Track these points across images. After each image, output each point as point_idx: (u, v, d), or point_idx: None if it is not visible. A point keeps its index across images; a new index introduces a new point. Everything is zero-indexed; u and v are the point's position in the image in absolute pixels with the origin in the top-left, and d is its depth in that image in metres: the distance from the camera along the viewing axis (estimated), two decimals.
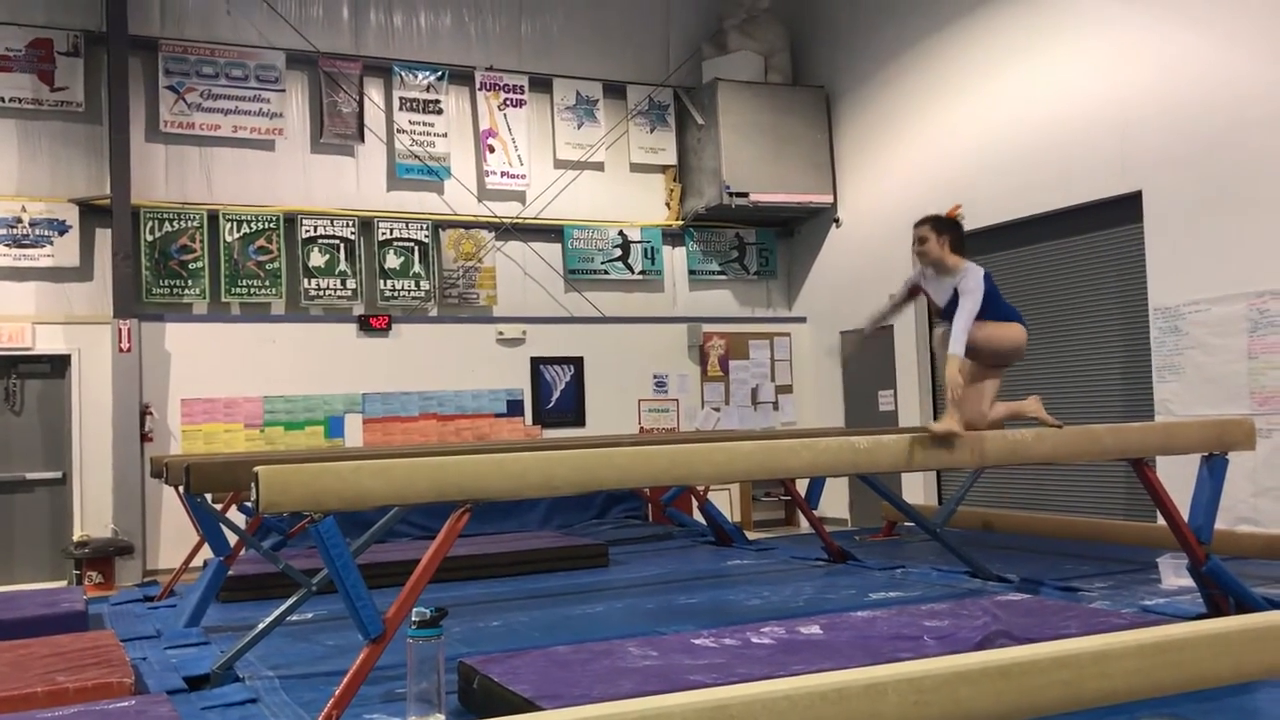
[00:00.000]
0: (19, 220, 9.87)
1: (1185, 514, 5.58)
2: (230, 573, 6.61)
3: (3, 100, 9.91)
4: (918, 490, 10.82)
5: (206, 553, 6.84)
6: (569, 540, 9.01)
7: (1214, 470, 5.60)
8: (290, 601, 5.18)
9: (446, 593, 6.75)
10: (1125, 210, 9.06)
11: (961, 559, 7.11)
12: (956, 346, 5.34)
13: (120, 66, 10.15)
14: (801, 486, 9.00)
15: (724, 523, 9.54)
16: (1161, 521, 6.02)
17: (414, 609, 4.04)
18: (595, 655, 4.43)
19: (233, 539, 6.41)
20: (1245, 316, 8.00)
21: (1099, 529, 8.29)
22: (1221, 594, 5.46)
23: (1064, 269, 9.84)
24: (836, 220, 12.47)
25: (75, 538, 9.64)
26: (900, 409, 11.41)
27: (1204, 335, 8.28)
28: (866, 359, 11.71)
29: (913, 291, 6.03)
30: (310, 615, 6.35)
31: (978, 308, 5.44)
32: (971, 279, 5.51)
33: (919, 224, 5.76)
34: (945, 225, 5.72)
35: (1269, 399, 7.83)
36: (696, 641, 4.63)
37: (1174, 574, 6.39)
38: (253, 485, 3.87)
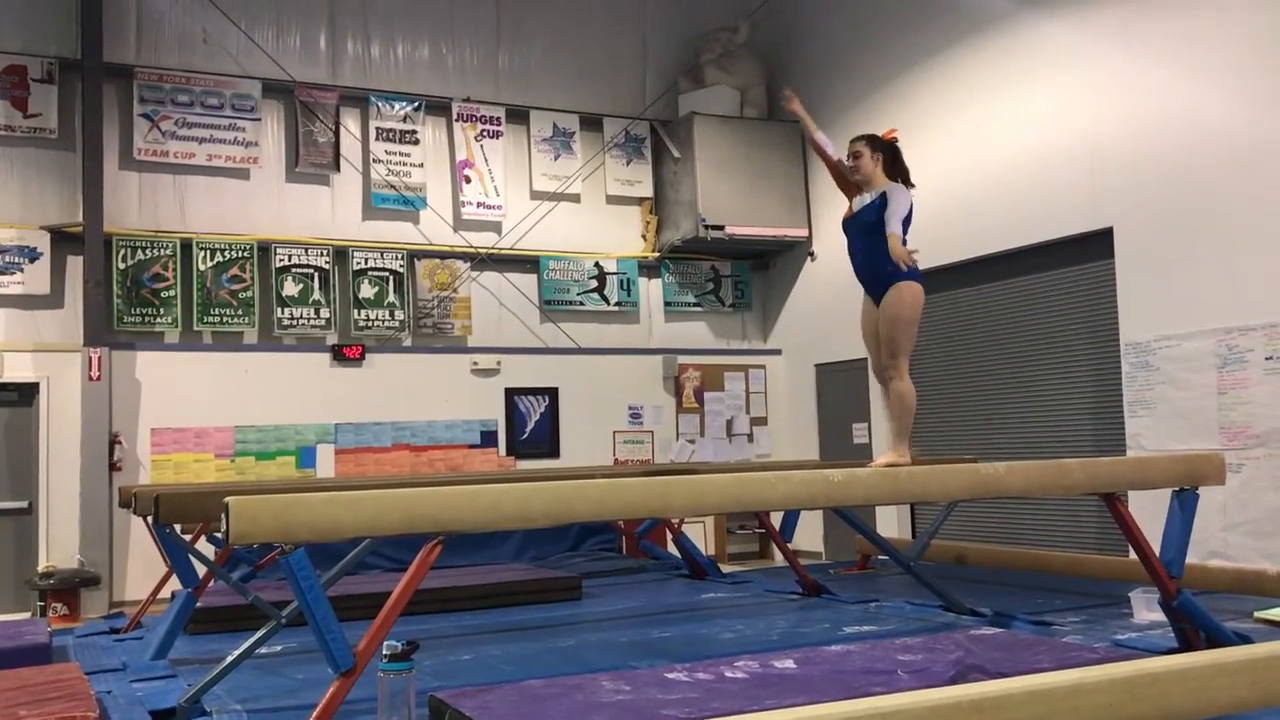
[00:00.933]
0: None
1: (1156, 548, 5.60)
2: (199, 604, 6.51)
3: None
4: (892, 523, 10.83)
5: (175, 584, 6.75)
6: (542, 573, 8.95)
7: (1185, 505, 5.63)
8: (259, 634, 5.11)
9: (418, 625, 6.68)
10: (1096, 246, 9.16)
11: (935, 593, 7.11)
12: (894, 225, 5.72)
13: (94, 94, 10.12)
14: (776, 519, 8.99)
15: (698, 556, 9.51)
16: (1133, 555, 6.05)
17: (385, 642, 4.00)
18: (568, 690, 4.39)
19: (201, 570, 6.33)
20: (1215, 352, 8.08)
21: (1072, 563, 8.31)
22: (1193, 628, 5.48)
23: (1036, 304, 9.92)
24: (811, 254, 12.55)
25: (40, 568, 9.51)
26: (874, 442, 11.43)
27: (1175, 370, 8.36)
28: (841, 392, 11.75)
29: (832, 165, 6.28)
30: (280, 648, 6.26)
31: (905, 210, 5.83)
32: (902, 192, 5.89)
33: (855, 139, 6.12)
34: (880, 145, 6.08)
35: (1238, 434, 7.90)
36: (670, 676, 4.60)
37: (1146, 608, 6.40)
38: (223, 516, 3.82)
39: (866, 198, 6.06)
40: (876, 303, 6.10)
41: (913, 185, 6.11)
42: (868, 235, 5.97)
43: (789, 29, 12.86)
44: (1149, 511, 6.55)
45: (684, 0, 13.18)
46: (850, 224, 6.16)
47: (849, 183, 6.24)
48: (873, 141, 6.07)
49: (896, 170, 6.09)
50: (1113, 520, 5.82)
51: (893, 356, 5.99)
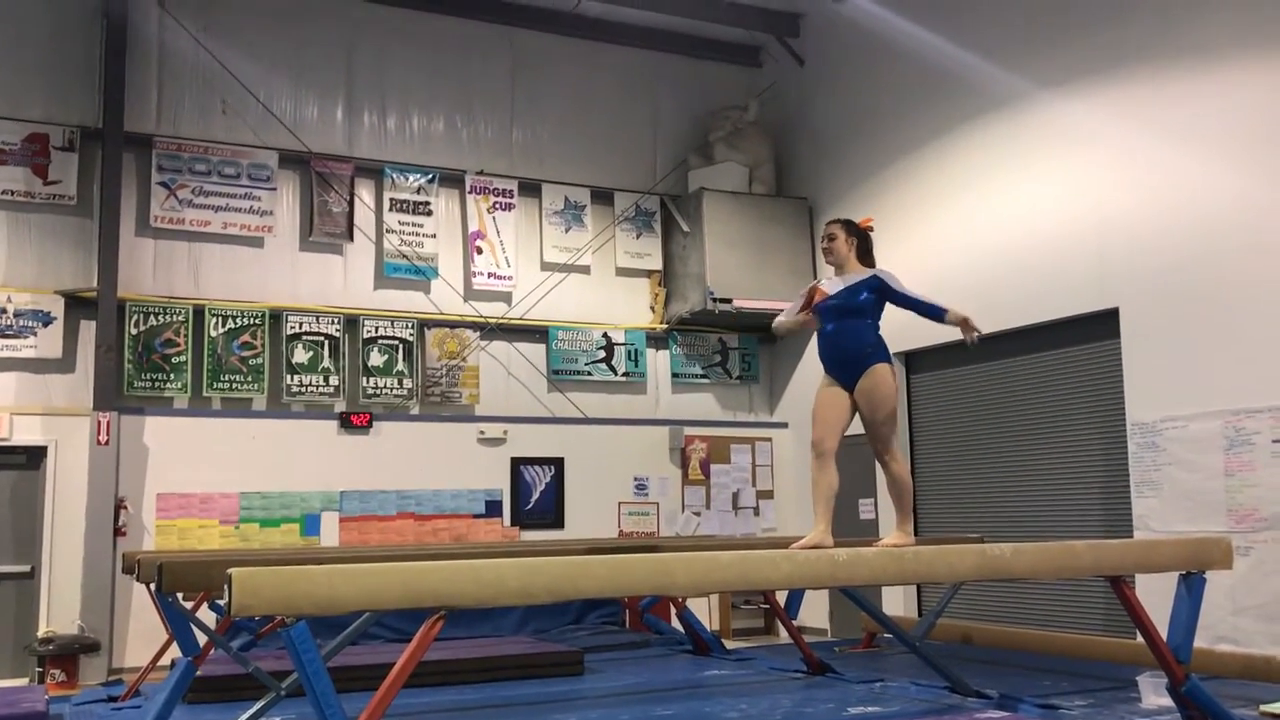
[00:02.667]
0: (3, 310, 9.90)
1: (1163, 631, 5.56)
2: (198, 673, 6.47)
3: None
4: (898, 601, 10.74)
5: (175, 651, 6.71)
6: (543, 647, 8.87)
7: (1192, 589, 5.59)
8: (258, 705, 5.08)
9: (416, 699, 6.61)
10: (1103, 326, 9.20)
11: (941, 674, 7.03)
12: (938, 300, 5.91)
13: (114, 162, 10.30)
14: (781, 595, 8.93)
15: (702, 631, 9.42)
16: (1140, 639, 5.99)
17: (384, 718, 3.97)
18: None
19: (202, 638, 6.29)
20: (1222, 434, 8.07)
21: (1078, 645, 8.21)
22: (1201, 714, 5.41)
23: (1042, 383, 9.94)
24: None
25: (40, 634, 9.46)
26: (880, 518, 11.38)
27: (1181, 452, 8.34)
28: (847, 467, 11.70)
29: (812, 293, 6.18)
30: (278, 719, 6.20)
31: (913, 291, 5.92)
32: (892, 276, 5.98)
33: (831, 222, 6.12)
34: (855, 230, 6.08)
35: (1245, 516, 7.86)
36: None
37: (1153, 693, 6.32)
38: (226, 587, 3.82)
39: (838, 282, 6.06)
40: (846, 386, 6.02)
41: None
42: (847, 318, 5.96)
43: (798, 108, 13.06)
44: (1157, 593, 6.50)
45: (695, 79, 13.40)
46: (829, 307, 6.04)
47: (807, 300, 6.25)
48: (848, 226, 6.09)
49: (868, 260, 6.11)
50: (1118, 602, 5.78)
51: (887, 441, 6.06)
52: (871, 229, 6.21)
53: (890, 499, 6.16)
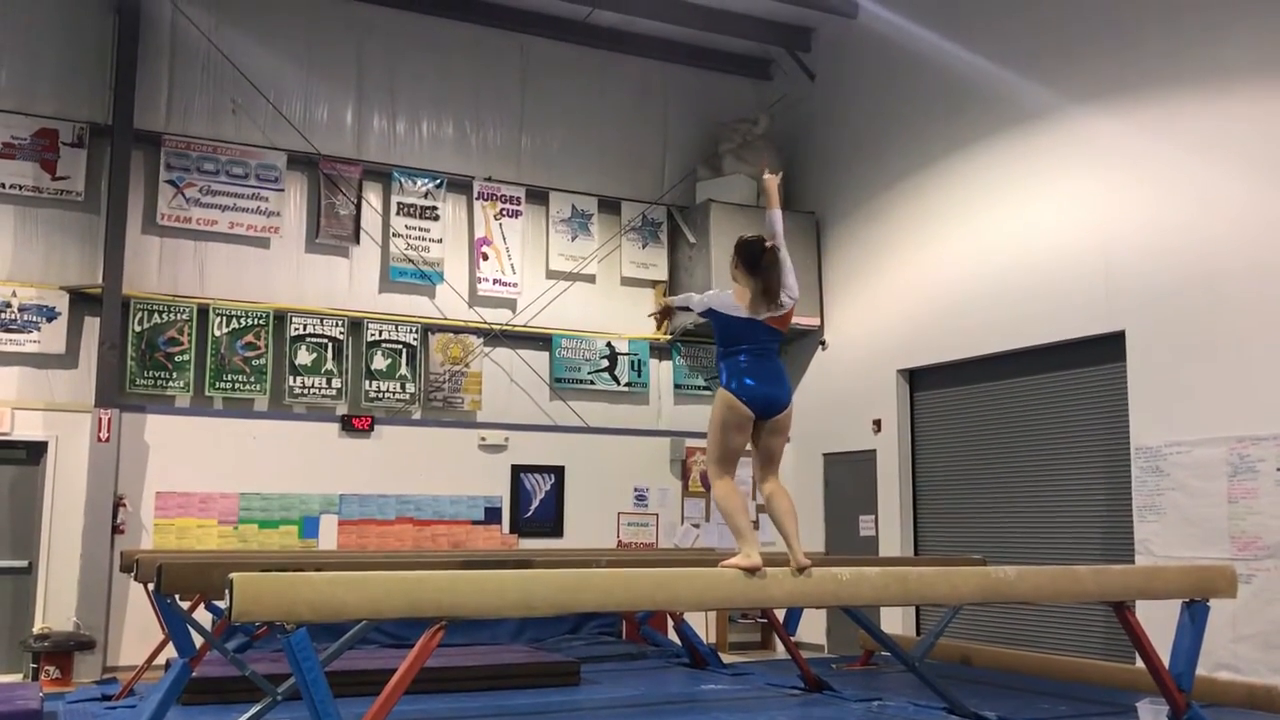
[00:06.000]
0: (8, 305, 9.88)
1: (1165, 657, 5.53)
2: (193, 674, 6.43)
3: (3, 186, 10.02)
4: (896, 619, 10.70)
5: (170, 651, 6.68)
6: (540, 657, 8.84)
7: (1195, 616, 5.58)
8: (254, 710, 5.05)
9: (411, 706, 6.57)
10: (1108, 349, 9.18)
11: (939, 694, 6.99)
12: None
13: (122, 159, 10.29)
14: (780, 610, 8.88)
15: (699, 644, 9.38)
16: (1141, 664, 5.97)
17: None
18: None
19: (199, 640, 6.26)
20: (1226, 460, 8.04)
21: (1077, 669, 8.17)
22: None
23: (1046, 404, 9.91)
24: (823, 343, 12.58)
25: (35, 630, 9.43)
26: (881, 535, 11.35)
27: (1185, 477, 8.31)
28: (849, 483, 11.70)
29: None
30: None
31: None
32: (704, 298, 5.59)
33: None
34: (738, 249, 5.63)
35: (1249, 544, 7.83)
36: None
37: (1153, 719, 6.30)
38: (226, 592, 3.80)
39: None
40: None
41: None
42: None
43: (807, 123, 13.05)
44: (1156, 621, 6.46)
45: (705, 91, 13.40)
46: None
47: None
48: (736, 249, 5.68)
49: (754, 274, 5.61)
50: (1119, 626, 5.76)
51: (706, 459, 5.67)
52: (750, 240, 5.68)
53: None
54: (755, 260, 5.53)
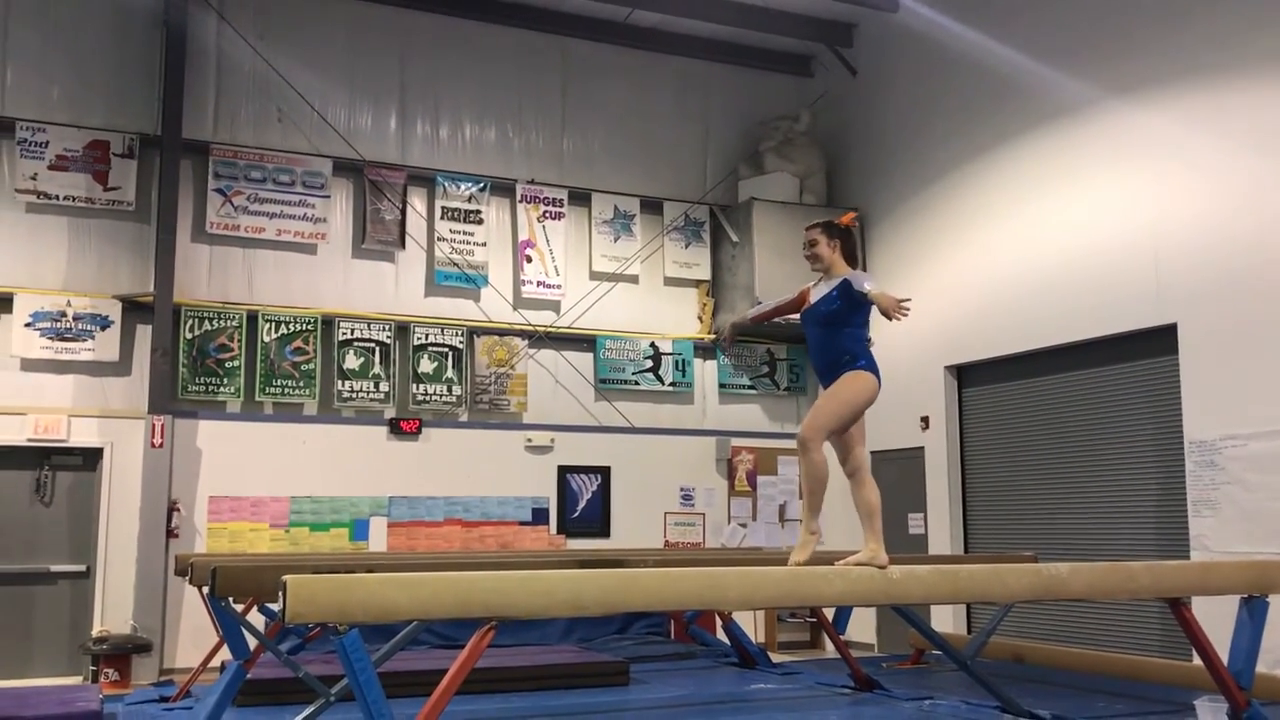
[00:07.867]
0: (63, 314, 10.06)
1: (1223, 654, 5.44)
2: (248, 676, 6.52)
3: (57, 198, 10.20)
4: (947, 617, 10.61)
5: (225, 653, 6.78)
6: (589, 656, 8.86)
7: (1254, 613, 5.48)
8: (308, 711, 5.11)
9: (461, 706, 6.61)
10: (1160, 342, 9.04)
11: (992, 692, 6.92)
12: (869, 284, 5.40)
13: (172, 169, 10.45)
14: (829, 609, 8.84)
15: (748, 644, 9.37)
16: (1198, 661, 5.88)
17: None
18: None
19: (253, 642, 6.35)
20: None
21: (1134, 666, 8.06)
22: None
23: (1097, 399, 9.78)
24: (869, 340, 12.47)
25: (94, 633, 9.59)
26: (930, 533, 11.26)
27: (1241, 471, 8.18)
28: (897, 480, 11.61)
29: (801, 299, 5.88)
30: None
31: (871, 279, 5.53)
32: (860, 275, 5.56)
33: (810, 226, 5.76)
34: (836, 231, 5.71)
35: None
36: None
37: (1211, 717, 6.19)
38: (280, 594, 3.85)
39: (823, 287, 5.74)
40: None
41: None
42: (824, 326, 5.66)
43: (850, 119, 12.98)
44: (1215, 617, 6.36)
45: (746, 89, 13.37)
46: (807, 315, 5.80)
47: (793, 304, 5.99)
48: (828, 228, 5.72)
49: (852, 257, 5.78)
50: (1176, 623, 5.67)
51: (812, 424, 5.50)
52: (853, 225, 5.87)
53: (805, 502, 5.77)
54: (854, 246, 5.74)
